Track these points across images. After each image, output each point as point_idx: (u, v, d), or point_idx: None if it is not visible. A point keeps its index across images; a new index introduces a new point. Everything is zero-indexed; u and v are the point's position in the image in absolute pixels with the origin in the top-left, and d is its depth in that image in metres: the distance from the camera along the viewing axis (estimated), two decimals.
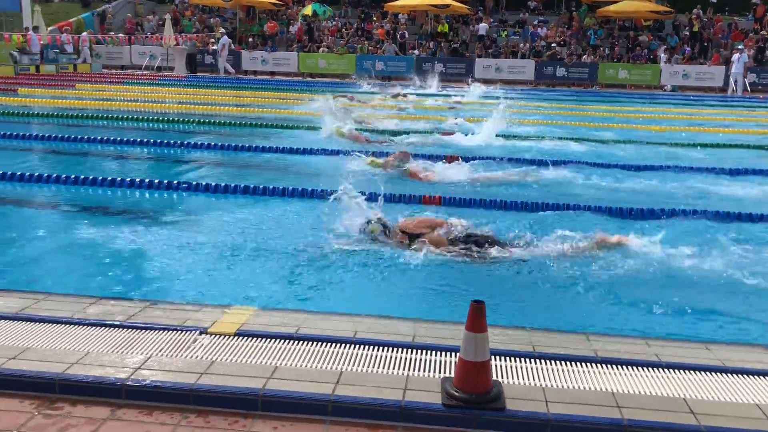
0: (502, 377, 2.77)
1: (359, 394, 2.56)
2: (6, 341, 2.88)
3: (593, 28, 27.84)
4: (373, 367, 2.81)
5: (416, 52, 28.34)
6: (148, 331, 3.06)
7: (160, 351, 2.86)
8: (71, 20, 30.39)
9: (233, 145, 9.33)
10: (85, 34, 27.40)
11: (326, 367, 2.78)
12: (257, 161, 8.57)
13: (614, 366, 2.91)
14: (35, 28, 26.60)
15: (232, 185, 6.67)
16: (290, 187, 6.61)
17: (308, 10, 31.12)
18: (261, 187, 6.62)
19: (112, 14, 33.01)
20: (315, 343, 3.00)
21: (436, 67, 26.16)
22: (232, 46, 27.74)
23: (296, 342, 3.01)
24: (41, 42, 25.66)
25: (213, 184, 6.75)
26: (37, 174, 6.96)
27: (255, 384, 2.59)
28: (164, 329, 3.08)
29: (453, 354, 2.93)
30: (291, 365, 2.78)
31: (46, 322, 3.11)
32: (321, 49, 28.48)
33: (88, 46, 27.08)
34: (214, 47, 28.17)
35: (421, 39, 29.40)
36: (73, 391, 2.57)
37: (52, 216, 5.83)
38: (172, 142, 9.47)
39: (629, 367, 2.90)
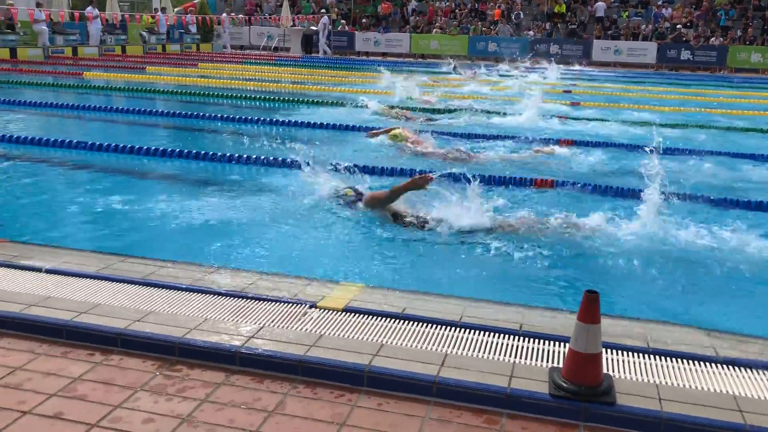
0: (614, 371, 2.67)
1: (464, 377, 2.54)
2: (133, 304, 3.07)
3: (724, 8, 26.04)
4: (479, 351, 2.78)
5: (531, 33, 27.59)
6: (260, 302, 3.17)
7: (272, 322, 2.95)
8: (195, 1, 31.63)
9: (343, 124, 9.47)
10: (224, 15, 28.40)
11: (431, 348, 2.78)
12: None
13: (737, 368, 2.74)
14: (163, 9, 27.97)
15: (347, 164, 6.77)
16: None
17: None
18: (371, 166, 6.68)
19: None
20: (421, 323, 3.01)
21: (551, 48, 25.36)
22: (328, 28, 27.94)
23: (402, 321, 3.03)
24: (168, 22, 26.93)
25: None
26: (161, 149, 7.36)
27: (361, 360, 2.63)
28: (276, 301, 3.18)
29: (561, 344, 2.85)
30: (397, 344, 2.80)
31: (168, 288, 3.28)
32: (434, 31, 28.28)
33: (228, 27, 27.96)
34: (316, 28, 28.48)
35: (538, 20, 28.58)
36: (191, 354, 2.71)
37: (172, 188, 6.14)
38: (284, 120, 9.73)
39: (754, 370, 2.72)
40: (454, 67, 19.76)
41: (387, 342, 2.81)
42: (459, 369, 2.60)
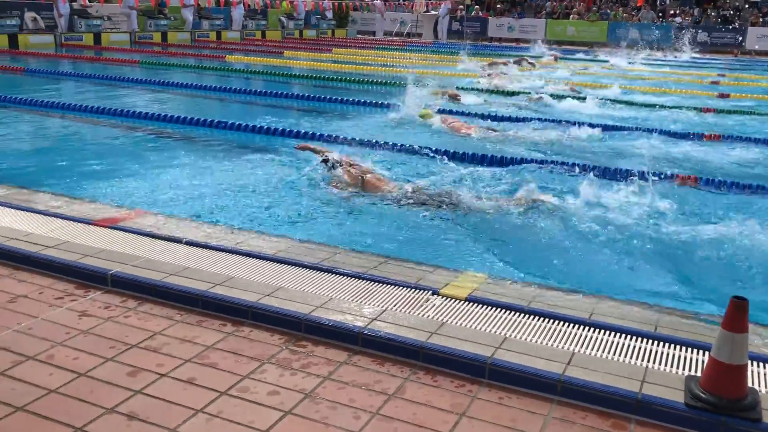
0: (759, 385, 2.45)
1: (591, 378, 2.43)
2: (263, 279, 3.18)
3: None
4: (608, 353, 2.65)
5: (678, 19, 25.98)
6: (384, 285, 3.19)
7: (395, 305, 2.96)
8: None
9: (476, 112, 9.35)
10: (379, 2, 28.84)
11: (557, 346, 2.67)
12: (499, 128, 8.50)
13: None
14: None
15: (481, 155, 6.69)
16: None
17: None
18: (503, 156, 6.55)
19: None
20: (546, 319, 2.91)
21: (699, 36, 23.77)
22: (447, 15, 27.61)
23: (527, 315, 2.94)
24: (306, 8, 27.69)
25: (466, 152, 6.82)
26: (296, 130, 7.59)
27: (483, 351, 2.57)
28: (399, 285, 3.18)
29: (700, 351, 2.66)
30: (520, 338, 2.72)
31: (296, 266, 3.37)
32: (571, 16, 27.30)
33: (382, 12, 28.25)
34: (462, 13, 28.29)
35: (685, 5, 26.86)
36: (316, 332, 2.77)
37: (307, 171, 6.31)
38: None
39: None
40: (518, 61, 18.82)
41: (510, 335, 2.74)
42: (586, 369, 2.49)
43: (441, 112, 9.12)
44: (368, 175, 5.52)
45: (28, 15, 19.60)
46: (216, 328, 2.83)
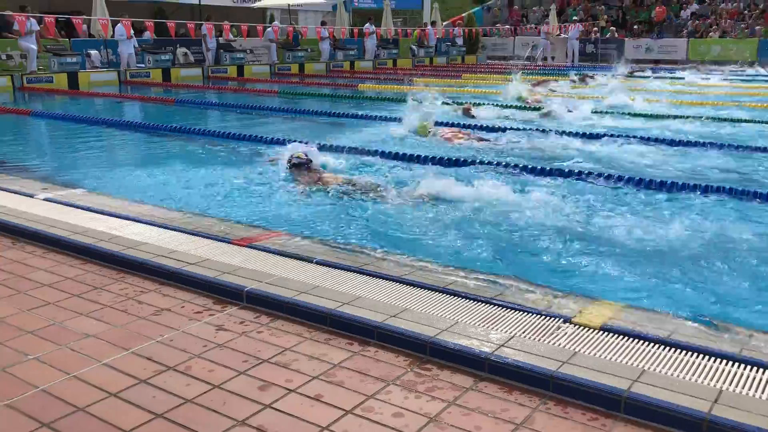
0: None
1: (741, 419, 2.21)
2: (389, 300, 3.18)
3: None
4: (760, 392, 2.40)
5: None
6: (512, 311, 3.09)
7: (523, 332, 2.86)
8: (463, 15, 32.54)
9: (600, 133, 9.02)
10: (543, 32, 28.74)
11: (702, 382, 2.47)
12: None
13: None
14: (432, 23, 29.15)
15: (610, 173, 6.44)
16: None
17: None
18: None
19: (499, 8, 34.43)
20: (690, 352, 2.70)
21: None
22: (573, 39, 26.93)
23: (667, 348, 2.74)
24: (436, 36, 28.01)
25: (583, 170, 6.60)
26: (416, 155, 7.65)
27: (619, 384, 2.42)
28: (528, 311, 3.08)
29: None
30: (660, 371, 2.54)
31: (422, 288, 3.35)
32: (710, 34, 25.77)
33: (546, 41, 28.11)
34: (597, 35, 27.53)
35: None
36: (441, 355, 2.72)
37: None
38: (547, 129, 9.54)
39: None
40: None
41: (648, 368, 2.56)
42: (736, 409, 2.27)
43: (451, 125, 9.70)
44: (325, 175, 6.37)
45: (180, 50, 21.22)
46: (343, 347, 2.86)
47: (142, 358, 2.76)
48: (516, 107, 12.30)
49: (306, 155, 6.57)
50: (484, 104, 12.31)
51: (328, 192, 6.06)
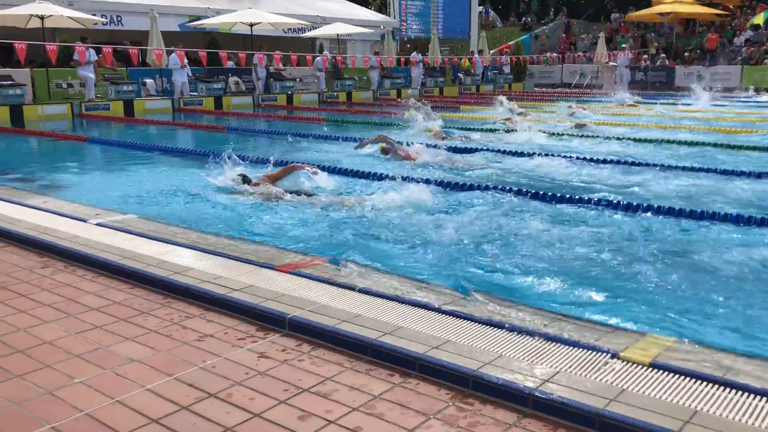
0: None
1: None
2: (431, 331, 3.15)
3: None
4: None
5: None
6: (557, 344, 3.02)
7: (569, 367, 2.79)
8: (510, 43, 32.57)
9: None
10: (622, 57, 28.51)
11: (760, 425, 2.35)
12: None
13: None
14: (480, 52, 29.22)
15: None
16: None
17: (759, 18, 27.84)
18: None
19: (547, 36, 34.37)
20: (746, 393, 2.58)
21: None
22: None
23: (721, 388, 2.63)
24: (483, 64, 28.05)
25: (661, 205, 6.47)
26: (469, 183, 7.60)
27: (669, 425, 2.33)
28: (574, 345, 3.00)
29: None
30: (713, 413, 2.43)
31: (464, 319, 3.30)
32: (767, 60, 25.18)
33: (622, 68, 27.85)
34: (646, 63, 27.19)
35: None
36: (484, 389, 2.67)
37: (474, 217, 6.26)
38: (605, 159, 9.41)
39: None
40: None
41: (701, 409, 2.46)
42: None
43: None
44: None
45: (232, 79, 21.76)
46: (384, 378, 2.83)
47: (185, 384, 2.78)
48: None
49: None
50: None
51: (382, 219, 6.04)
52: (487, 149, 10.42)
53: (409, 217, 6.17)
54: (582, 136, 12.44)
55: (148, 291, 3.94)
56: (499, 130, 13.03)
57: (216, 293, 3.69)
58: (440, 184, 7.62)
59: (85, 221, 5.40)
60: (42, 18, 17.74)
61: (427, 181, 7.62)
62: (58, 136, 13.36)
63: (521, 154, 9.88)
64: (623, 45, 30.01)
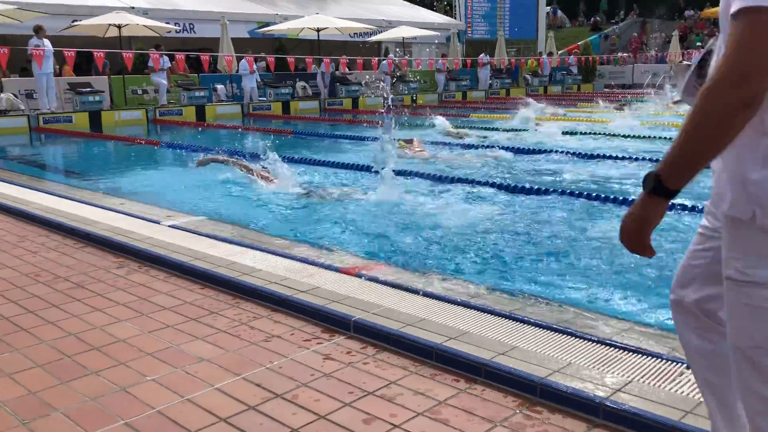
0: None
1: None
2: (498, 336, 3.09)
3: None
4: None
5: None
6: (630, 353, 2.92)
7: (642, 376, 2.69)
8: (579, 43, 31.92)
9: None
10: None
11: None
12: None
13: None
14: (549, 54, 28.80)
15: None
16: None
17: None
18: None
19: (617, 35, 33.55)
20: None
21: None
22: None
23: None
24: (551, 65, 27.62)
25: None
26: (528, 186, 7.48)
27: None
28: (648, 354, 2.89)
29: None
30: None
31: (532, 325, 3.24)
32: None
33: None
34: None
35: None
36: (552, 398, 2.60)
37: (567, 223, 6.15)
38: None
39: None
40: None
41: None
42: None
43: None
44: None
45: (299, 84, 22.10)
46: (449, 383, 2.80)
47: (252, 384, 2.82)
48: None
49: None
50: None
51: (441, 223, 6.04)
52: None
53: (466, 222, 6.12)
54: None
55: (217, 291, 4.03)
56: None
57: (283, 294, 3.74)
58: (500, 186, 7.53)
59: (158, 223, 5.57)
60: (119, 27, 18.47)
61: (490, 184, 7.55)
62: (133, 140, 13.86)
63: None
64: (698, 43, 28.97)
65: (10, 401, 2.70)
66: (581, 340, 3.07)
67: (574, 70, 28.83)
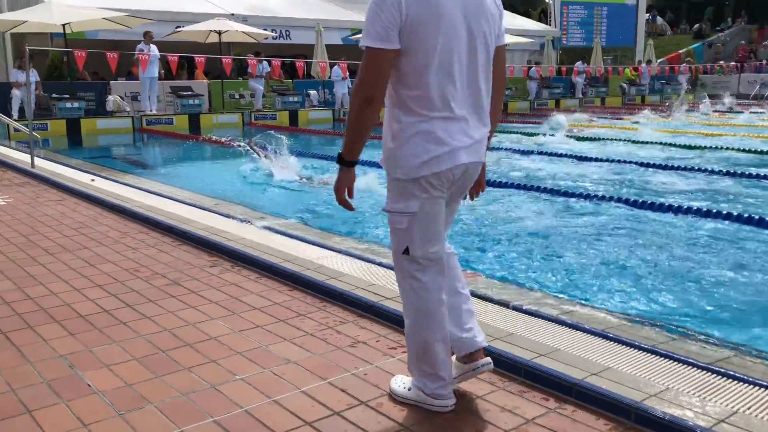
0: None
1: None
2: (590, 355, 2.98)
3: None
4: None
5: None
6: (734, 381, 2.74)
7: (748, 407, 2.51)
8: (680, 51, 30.67)
9: None
10: None
11: None
12: None
13: None
14: (648, 62, 27.81)
15: None
16: None
17: None
18: None
19: (723, 43, 32.03)
20: None
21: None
22: None
23: None
24: (650, 74, 26.66)
25: None
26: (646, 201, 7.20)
27: None
28: (754, 384, 2.71)
29: None
30: None
31: (627, 345, 3.09)
32: None
33: None
34: None
35: None
36: (648, 423, 2.47)
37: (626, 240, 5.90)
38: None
39: None
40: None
41: None
42: None
43: None
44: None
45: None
46: (538, 402, 2.71)
47: (337, 389, 2.82)
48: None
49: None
50: None
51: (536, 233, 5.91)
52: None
53: (557, 232, 5.94)
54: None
55: (305, 294, 4.08)
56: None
57: (369, 300, 3.74)
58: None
59: (251, 223, 5.71)
60: (220, 33, 19.17)
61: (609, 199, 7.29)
62: (228, 143, 14.32)
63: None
64: None
65: (108, 392, 2.81)
66: (680, 365, 2.91)
67: (682, 79, 27.68)
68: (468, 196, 2.77)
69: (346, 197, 2.53)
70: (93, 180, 8.11)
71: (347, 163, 2.47)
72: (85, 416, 2.61)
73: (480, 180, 2.71)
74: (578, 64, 25.25)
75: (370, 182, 7.79)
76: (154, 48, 17.03)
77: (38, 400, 2.74)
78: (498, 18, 2.52)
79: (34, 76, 12.54)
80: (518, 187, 8.13)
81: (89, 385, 2.87)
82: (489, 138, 2.59)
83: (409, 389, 2.69)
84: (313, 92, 20.94)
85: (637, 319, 3.52)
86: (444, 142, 2.39)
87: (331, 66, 20.37)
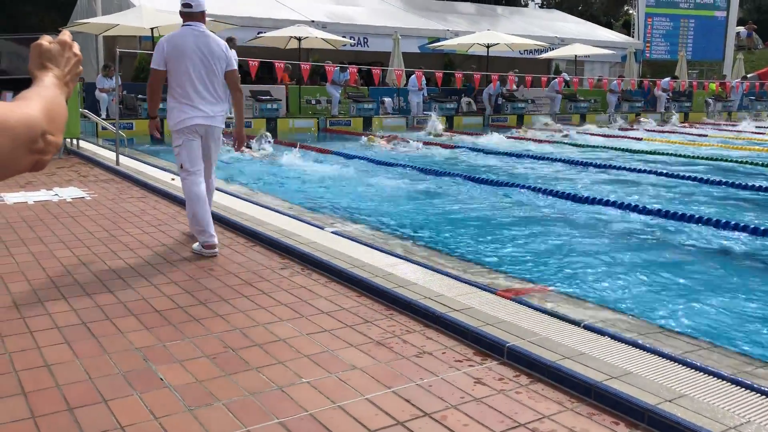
0: None
1: None
2: (664, 381, 2.86)
3: None
4: None
5: None
6: None
7: None
8: None
9: None
10: None
11: None
12: None
13: None
14: (743, 78, 26.65)
15: None
16: None
17: None
18: None
19: None
20: None
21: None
22: None
23: None
24: (738, 90, 25.58)
25: None
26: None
27: None
28: None
29: None
30: None
31: (705, 372, 2.96)
32: None
33: None
34: None
35: None
36: None
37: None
38: None
39: None
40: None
41: None
42: None
43: None
44: None
45: (464, 99, 22.15)
46: (607, 425, 2.62)
47: (402, 399, 2.81)
48: None
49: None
50: None
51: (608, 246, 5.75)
52: None
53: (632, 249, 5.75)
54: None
55: (373, 301, 4.09)
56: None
57: (437, 311, 3.72)
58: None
59: (322, 228, 5.78)
60: (299, 39, 19.55)
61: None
62: (306, 147, 14.55)
63: None
64: None
65: (179, 387, 2.89)
66: (763, 396, 2.76)
67: None
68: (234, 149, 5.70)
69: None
70: (173, 179, 8.39)
71: (151, 117, 5.33)
72: (157, 409, 2.69)
73: (236, 137, 5.38)
74: (666, 79, 24.50)
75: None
76: (233, 53, 17.50)
77: (114, 390, 2.85)
78: (224, 58, 5.16)
79: (117, 81, 13.21)
80: (606, 204, 7.92)
81: (161, 379, 2.96)
82: (226, 115, 5.27)
83: (195, 245, 5.11)
84: (387, 100, 21.06)
85: (717, 345, 3.36)
86: (188, 113, 4.99)
87: (408, 75, 20.43)
